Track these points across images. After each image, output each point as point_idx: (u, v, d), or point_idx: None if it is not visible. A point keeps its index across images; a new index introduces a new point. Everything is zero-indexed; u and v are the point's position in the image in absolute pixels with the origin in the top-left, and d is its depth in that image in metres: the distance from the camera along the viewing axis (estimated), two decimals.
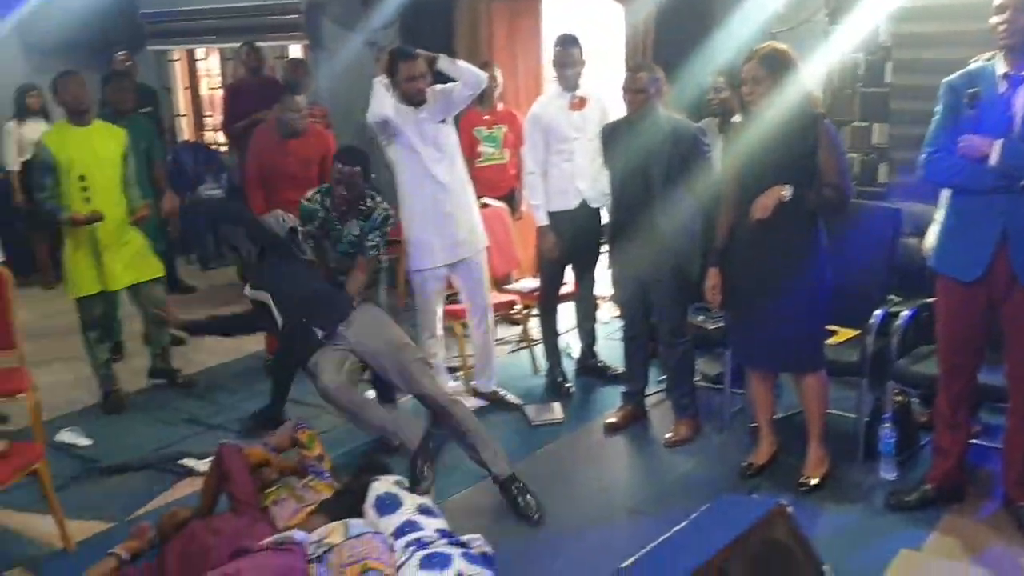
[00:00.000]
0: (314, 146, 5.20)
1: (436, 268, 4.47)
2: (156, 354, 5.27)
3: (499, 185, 5.89)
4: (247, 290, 4.30)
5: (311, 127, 5.32)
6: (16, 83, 7.34)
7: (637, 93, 4.03)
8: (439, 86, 4.35)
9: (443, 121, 4.37)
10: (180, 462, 4.16)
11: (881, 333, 3.81)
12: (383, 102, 4.19)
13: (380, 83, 4.22)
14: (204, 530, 3.11)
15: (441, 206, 4.37)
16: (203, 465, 3.93)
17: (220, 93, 8.43)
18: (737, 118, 4.18)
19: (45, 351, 5.41)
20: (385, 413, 4.03)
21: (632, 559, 2.61)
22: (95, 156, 4.70)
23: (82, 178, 4.64)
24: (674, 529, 2.77)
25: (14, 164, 7.27)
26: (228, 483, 3.42)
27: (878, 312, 3.85)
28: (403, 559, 2.89)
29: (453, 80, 4.30)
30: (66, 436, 4.51)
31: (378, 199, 4.38)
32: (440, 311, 4.63)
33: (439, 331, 4.65)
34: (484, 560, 2.95)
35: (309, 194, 4.43)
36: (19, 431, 4.29)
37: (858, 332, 3.93)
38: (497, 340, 5.03)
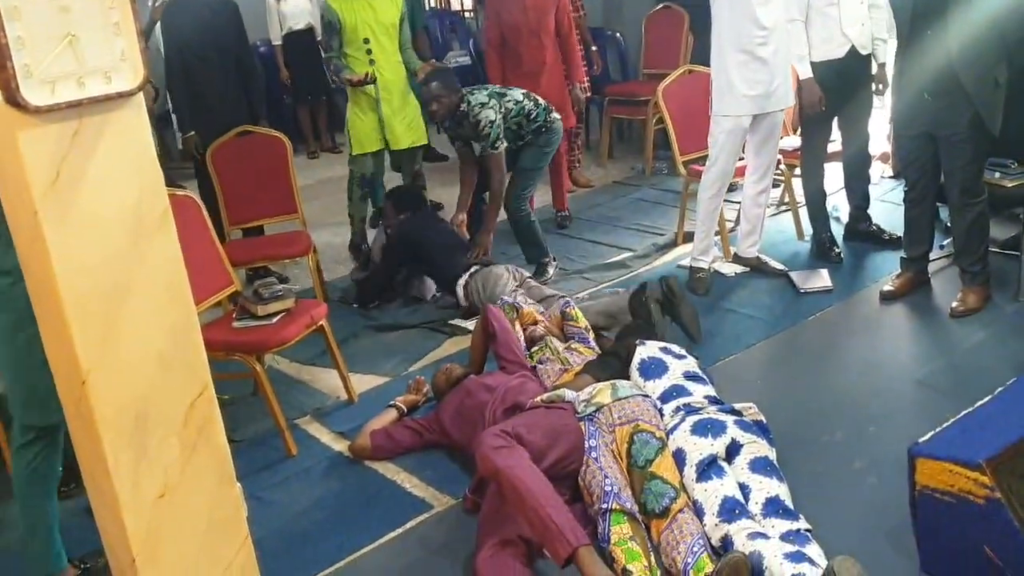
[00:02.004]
0: None
1: (741, 117, 4.22)
2: None
3: None
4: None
5: None
6: None
7: None
8: None
9: None
10: (450, 321, 4.30)
11: None
12: None
13: None
14: (478, 386, 3.19)
15: (757, 51, 4.10)
16: (471, 324, 4.03)
17: None
18: None
19: (314, 216, 5.70)
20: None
21: (930, 433, 2.41)
22: (377, 21, 4.86)
23: (366, 41, 4.84)
24: (977, 404, 2.53)
25: (277, 39, 7.59)
26: (494, 343, 3.50)
27: None
28: (673, 423, 2.84)
29: None
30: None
31: (472, 103, 4.49)
32: (732, 168, 4.38)
33: (724, 192, 4.43)
34: (759, 428, 2.85)
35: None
36: (302, 291, 4.57)
37: None
38: None
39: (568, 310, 3.71)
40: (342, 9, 4.80)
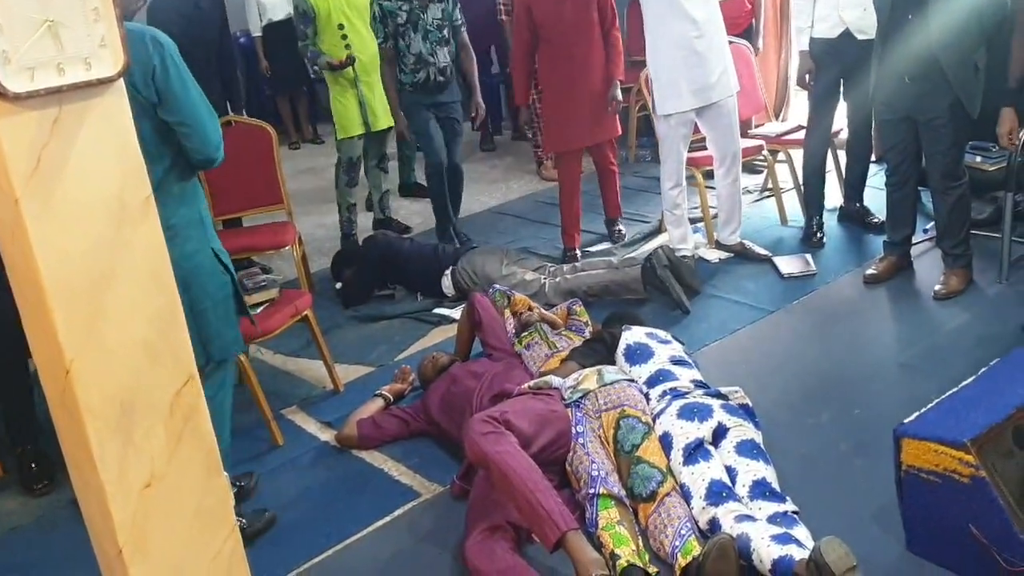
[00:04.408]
0: None
1: (684, 112, 4.26)
2: (377, 201, 5.58)
3: (736, 22, 5.52)
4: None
5: None
6: None
7: None
8: None
9: None
10: (434, 311, 4.29)
11: None
12: None
13: None
14: (465, 373, 3.20)
15: (692, 45, 4.14)
16: (456, 313, 4.03)
17: None
18: None
19: (297, 206, 5.68)
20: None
21: (915, 414, 2.43)
22: (350, 5, 4.94)
23: (341, 26, 4.91)
24: (962, 384, 2.55)
25: (257, 30, 7.54)
26: (480, 330, 3.50)
27: None
28: (660, 408, 2.85)
29: None
30: None
31: None
32: (685, 158, 4.44)
33: (684, 180, 4.47)
34: (745, 412, 2.86)
35: None
36: (286, 282, 4.55)
37: None
38: None
39: (576, 307, 3.77)
40: None
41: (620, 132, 4.84)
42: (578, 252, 4.83)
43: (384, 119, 5.08)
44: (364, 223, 5.67)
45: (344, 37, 4.92)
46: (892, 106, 3.85)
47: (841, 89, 4.46)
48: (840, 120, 4.71)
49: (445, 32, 4.71)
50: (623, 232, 5.08)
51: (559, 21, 4.43)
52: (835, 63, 4.33)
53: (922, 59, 3.62)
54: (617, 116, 4.73)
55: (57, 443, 1.79)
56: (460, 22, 4.77)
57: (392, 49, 4.73)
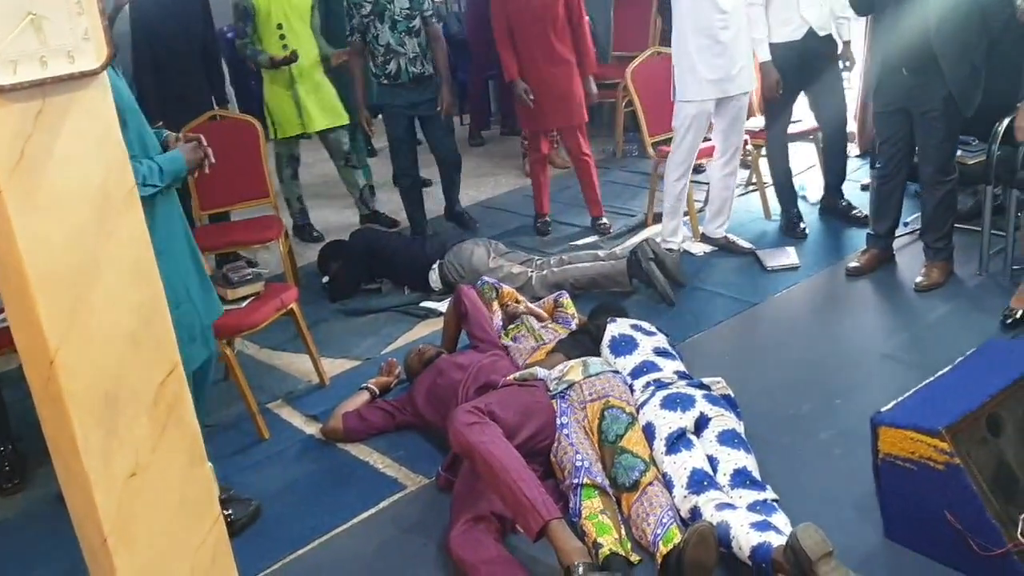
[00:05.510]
0: None
1: (704, 101, 4.29)
2: (357, 198, 5.59)
3: None
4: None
5: None
6: None
7: None
8: None
9: None
10: (421, 304, 4.31)
11: None
12: None
13: None
14: (450, 366, 3.21)
15: (718, 35, 4.17)
16: (443, 306, 4.04)
17: None
18: None
19: (281, 201, 5.70)
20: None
21: (893, 403, 2.47)
22: (291, 5, 4.96)
23: (279, 26, 4.93)
24: (938, 373, 2.58)
25: None
26: (466, 322, 3.52)
27: None
28: (644, 398, 2.88)
29: None
30: None
31: None
32: (697, 151, 4.47)
33: (689, 174, 4.51)
34: (727, 402, 2.89)
35: None
36: (273, 276, 4.55)
37: None
38: None
39: (562, 299, 3.80)
40: None
41: (586, 119, 5.01)
42: (548, 219, 5.18)
43: (320, 120, 5.08)
44: (352, 219, 5.69)
45: (282, 37, 4.93)
46: (888, 98, 3.86)
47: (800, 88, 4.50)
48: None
49: (415, 22, 4.66)
50: (608, 226, 5.11)
51: (528, 11, 4.69)
52: (800, 63, 4.35)
53: (920, 51, 3.62)
54: (584, 105, 4.92)
55: (32, 442, 1.80)
56: (430, 12, 4.72)
57: (360, 42, 4.73)
